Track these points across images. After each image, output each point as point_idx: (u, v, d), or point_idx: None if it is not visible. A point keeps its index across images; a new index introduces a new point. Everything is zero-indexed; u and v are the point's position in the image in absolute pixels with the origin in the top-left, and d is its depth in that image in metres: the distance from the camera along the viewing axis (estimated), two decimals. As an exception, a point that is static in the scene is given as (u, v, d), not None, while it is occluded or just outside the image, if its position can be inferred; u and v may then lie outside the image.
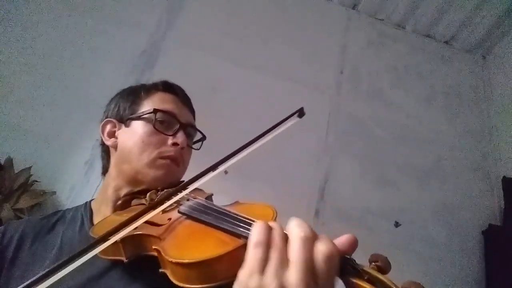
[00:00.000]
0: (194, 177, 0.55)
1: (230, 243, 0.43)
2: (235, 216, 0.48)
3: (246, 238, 0.42)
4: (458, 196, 2.03)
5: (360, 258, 0.41)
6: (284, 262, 0.38)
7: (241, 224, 0.46)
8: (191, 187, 0.56)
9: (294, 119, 0.56)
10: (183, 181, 0.79)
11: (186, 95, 0.87)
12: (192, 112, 0.87)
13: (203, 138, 0.88)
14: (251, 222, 0.45)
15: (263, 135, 0.58)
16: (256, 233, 0.40)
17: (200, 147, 0.87)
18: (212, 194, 0.69)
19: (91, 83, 1.83)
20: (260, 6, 2.31)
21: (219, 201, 0.65)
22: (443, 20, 2.41)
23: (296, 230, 0.40)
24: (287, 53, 2.22)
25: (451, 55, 2.49)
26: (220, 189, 0.66)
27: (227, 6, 2.26)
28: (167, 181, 0.72)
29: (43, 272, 0.42)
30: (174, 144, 0.75)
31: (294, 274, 0.37)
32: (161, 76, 0.90)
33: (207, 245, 0.46)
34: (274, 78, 2.11)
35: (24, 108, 1.71)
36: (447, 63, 2.45)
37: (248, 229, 0.43)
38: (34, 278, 0.41)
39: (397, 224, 1.90)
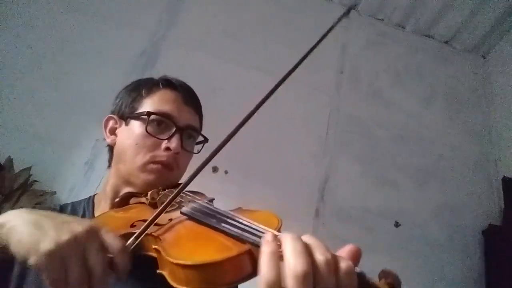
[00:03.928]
0: (192, 175, 0.55)
1: (234, 248, 0.42)
2: (239, 220, 0.47)
3: (250, 243, 0.41)
4: (458, 196, 2.03)
5: (361, 259, 0.40)
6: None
7: (246, 229, 0.45)
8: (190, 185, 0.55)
9: (344, 18, 0.56)
10: (181, 183, 0.79)
11: (190, 92, 0.82)
12: (196, 110, 0.82)
13: (205, 140, 0.84)
14: (255, 227, 0.44)
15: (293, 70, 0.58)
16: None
17: (200, 151, 0.82)
18: (213, 199, 0.68)
19: (91, 83, 1.83)
20: (260, 6, 2.31)
21: (219, 202, 0.65)
22: (443, 20, 2.41)
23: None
24: (287, 53, 2.21)
25: (451, 55, 2.49)
26: (220, 189, 0.66)
27: (227, 6, 2.25)
28: (159, 185, 0.70)
29: None
30: (167, 149, 0.72)
31: None
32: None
33: (210, 248, 0.46)
34: (274, 78, 2.10)
35: (24, 108, 1.71)
36: (447, 63, 2.45)
37: (253, 235, 0.42)
38: None
39: (397, 224, 1.90)
